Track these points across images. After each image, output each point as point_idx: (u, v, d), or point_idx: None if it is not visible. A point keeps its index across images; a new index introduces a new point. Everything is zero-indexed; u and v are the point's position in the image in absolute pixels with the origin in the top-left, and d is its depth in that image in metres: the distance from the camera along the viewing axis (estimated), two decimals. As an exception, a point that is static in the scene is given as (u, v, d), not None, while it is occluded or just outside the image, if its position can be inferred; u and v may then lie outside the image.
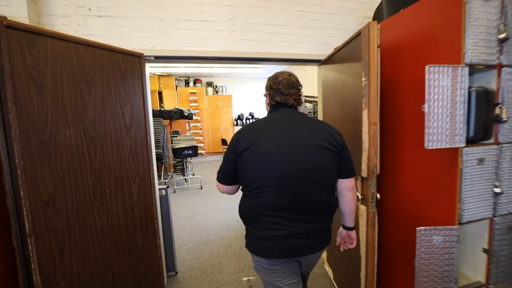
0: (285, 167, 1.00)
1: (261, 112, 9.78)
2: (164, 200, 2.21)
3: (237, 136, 1.09)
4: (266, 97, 1.19)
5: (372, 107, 1.39)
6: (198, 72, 8.42)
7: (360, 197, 1.49)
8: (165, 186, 2.20)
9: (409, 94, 1.41)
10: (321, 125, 1.11)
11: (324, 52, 2.15)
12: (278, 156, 1.00)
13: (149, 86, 2.00)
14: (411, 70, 1.40)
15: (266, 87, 1.20)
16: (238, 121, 9.34)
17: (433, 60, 1.24)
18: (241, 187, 1.14)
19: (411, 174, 1.43)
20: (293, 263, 1.10)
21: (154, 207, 1.88)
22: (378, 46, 1.39)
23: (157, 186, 2.08)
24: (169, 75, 8.54)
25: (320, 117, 2.25)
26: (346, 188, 1.12)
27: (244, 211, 1.10)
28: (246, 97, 9.82)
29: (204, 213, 3.70)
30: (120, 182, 1.64)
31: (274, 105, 1.15)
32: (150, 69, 7.65)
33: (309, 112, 3.17)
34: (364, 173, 1.44)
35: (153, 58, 1.92)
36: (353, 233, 1.21)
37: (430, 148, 1.16)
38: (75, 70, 1.42)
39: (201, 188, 4.92)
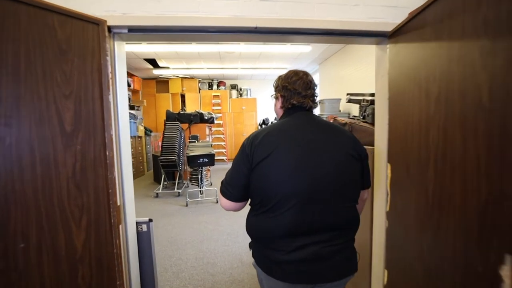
0: (311, 179, 0.84)
1: (288, 116, 8.94)
2: (145, 239, 1.52)
3: (251, 143, 0.89)
4: (278, 99, 1.04)
5: None
6: (221, 74, 7.87)
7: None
8: (146, 219, 1.51)
9: None
10: (343, 131, 0.95)
11: (391, 19, 1.32)
12: (303, 167, 0.84)
13: (123, 73, 1.33)
14: None
15: (277, 88, 1.04)
16: (263, 126, 8.60)
17: None
18: (249, 202, 0.97)
19: None
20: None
21: (118, 259, 1.18)
22: None
23: (131, 220, 1.40)
24: (192, 78, 8.11)
25: (382, 124, 1.41)
26: (361, 199, 0.99)
27: (257, 233, 0.94)
28: (272, 100, 9.05)
29: (215, 238, 2.98)
30: (49, 226, 0.96)
31: (289, 109, 0.99)
32: (173, 71, 7.26)
33: (353, 117, 2.29)
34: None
35: (126, 30, 1.24)
36: None
37: None
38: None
39: (217, 202, 4.24)
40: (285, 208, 0.83)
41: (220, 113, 8.13)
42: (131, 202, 1.43)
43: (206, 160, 4.18)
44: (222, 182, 0.97)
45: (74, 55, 1.03)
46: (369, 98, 1.86)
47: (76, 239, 1.04)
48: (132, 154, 5.93)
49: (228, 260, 2.51)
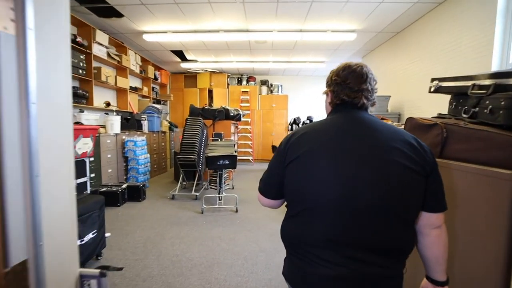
0: (347, 189, 0.70)
1: (323, 116, 8.06)
2: (95, 302, 0.91)
3: (287, 142, 0.82)
4: (328, 95, 0.90)
5: None
6: (252, 68, 7.25)
7: None
8: (96, 273, 0.89)
9: None
10: (404, 135, 0.75)
11: None
12: (339, 173, 0.71)
13: (62, 29, 0.73)
14: None
15: (327, 82, 0.89)
16: (294, 125, 7.81)
17: None
18: (285, 203, 0.88)
19: None
20: None
21: None
22: None
23: (67, 275, 0.79)
24: (221, 72, 7.61)
25: None
26: (430, 226, 0.77)
27: (287, 236, 0.83)
28: (305, 98, 8.22)
29: (228, 262, 2.34)
30: None
31: (338, 105, 0.84)
32: (201, 64, 6.82)
33: (441, 116, 1.38)
34: None
35: None
36: None
37: None
38: None
39: (236, 211, 3.61)
40: (312, 216, 0.74)
41: (248, 110, 7.53)
42: (70, 245, 0.83)
43: (227, 162, 3.57)
44: (261, 177, 0.91)
45: None
46: (490, 81, 1.04)
47: None
48: (155, 150, 5.58)
49: (240, 302, 1.85)
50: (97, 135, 3.84)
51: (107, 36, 4.45)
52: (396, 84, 4.72)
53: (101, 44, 4.32)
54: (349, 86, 0.80)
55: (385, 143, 0.72)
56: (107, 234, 2.66)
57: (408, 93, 4.32)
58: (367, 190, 0.69)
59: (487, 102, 1.03)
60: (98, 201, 2.18)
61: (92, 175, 3.73)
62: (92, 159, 3.73)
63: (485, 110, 1.03)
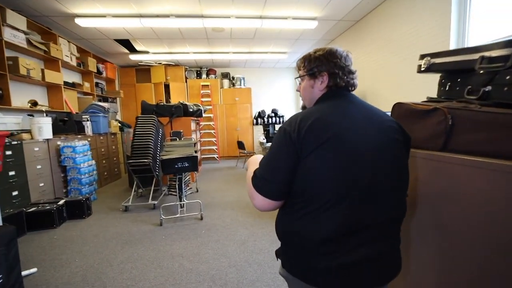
0: (372, 171, 0.69)
1: (288, 108, 7.90)
2: None
3: (298, 128, 0.70)
4: (317, 78, 0.82)
5: None
6: (211, 60, 6.70)
7: None
8: None
9: None
10: (387, 115, 0.81)
11: None
12: (363, 157, 0.69)
13: None
14: None
15: (318, 65, 0.81)
16: (259, 119, 7.51)
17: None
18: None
19: None
20: None
21: None
22: None
23: None
24: (177, 65, 6.92)
25: None
26: None
27: (297, 237, 0.73)
28: (268, 90, 7.95)
29: (192, 287, 1.93)
30: None
31: (339, 89, 0.81)
32: (154, 56, 6.08)
33: (434, 100, 1.16)
34: None
35: None
36: None
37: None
38: None
39: (201, 218, 3.18)
40: (338, 206, 0.68)
41: (210, 105, 7.00)
42: None
43: (186, 165, 3.09)
44: (255, 174, 0.76)
45: None
46: (507, 51, 0.80)
47: None
48: (104, 155, 4.80)
49: None
50: (15, 142, 3.03)
51: (24, 19, 3.55)
52: (357, 74, 4.67)
53: (16, 29, 3.42)
54: (350, 70, 0.82)
55: (384, 123, 0.76)
56: (30, 271, 2.04)
57: (369, 82, 4.28)
58: (386, 170, 0.71)
59: (508, 77, 0.78)
60: (4, 234, 1.58)
61: (14, 193, 2.94)
62: (12, 173, 2.94)
63: (506, 88, 0.78)
